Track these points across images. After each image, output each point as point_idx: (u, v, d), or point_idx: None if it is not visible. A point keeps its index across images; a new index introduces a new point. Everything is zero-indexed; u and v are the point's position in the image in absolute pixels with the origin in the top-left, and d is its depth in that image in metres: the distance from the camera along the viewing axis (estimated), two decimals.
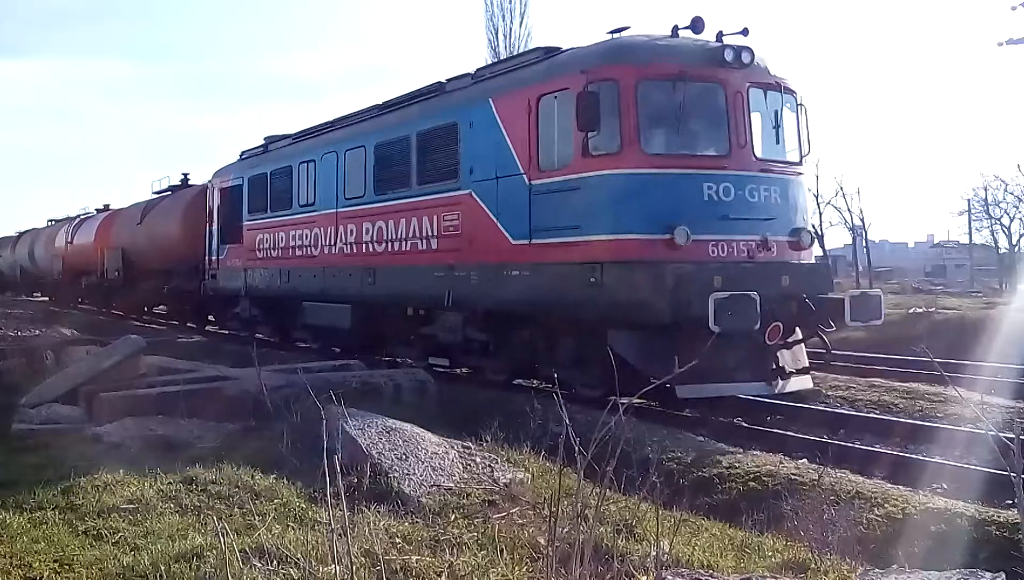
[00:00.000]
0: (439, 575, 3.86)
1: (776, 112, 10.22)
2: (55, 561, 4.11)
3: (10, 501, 5.14)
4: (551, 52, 11.03)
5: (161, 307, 25.23)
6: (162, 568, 3.80)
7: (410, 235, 12.36)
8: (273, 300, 16.74)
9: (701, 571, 3.83)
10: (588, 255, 9.53)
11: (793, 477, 7.03)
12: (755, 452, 8.13)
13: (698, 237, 9.27)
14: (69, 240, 30.58)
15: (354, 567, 3.51)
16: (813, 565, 4.42)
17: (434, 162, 11.99)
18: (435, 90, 12.82)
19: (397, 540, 4.34)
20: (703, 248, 9.32)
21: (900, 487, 6.87)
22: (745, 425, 10.02)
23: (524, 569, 4.01)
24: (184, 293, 21.37)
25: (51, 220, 38.47)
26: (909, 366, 14.57)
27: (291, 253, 15.82)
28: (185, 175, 24.26)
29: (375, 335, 13.69)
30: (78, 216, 33.09)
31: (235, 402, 7.73)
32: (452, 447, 6.10)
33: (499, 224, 10.66)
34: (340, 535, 3.56)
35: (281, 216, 16.21)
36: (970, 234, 60.13)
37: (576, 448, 3.59)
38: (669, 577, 3.60)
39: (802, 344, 10.28)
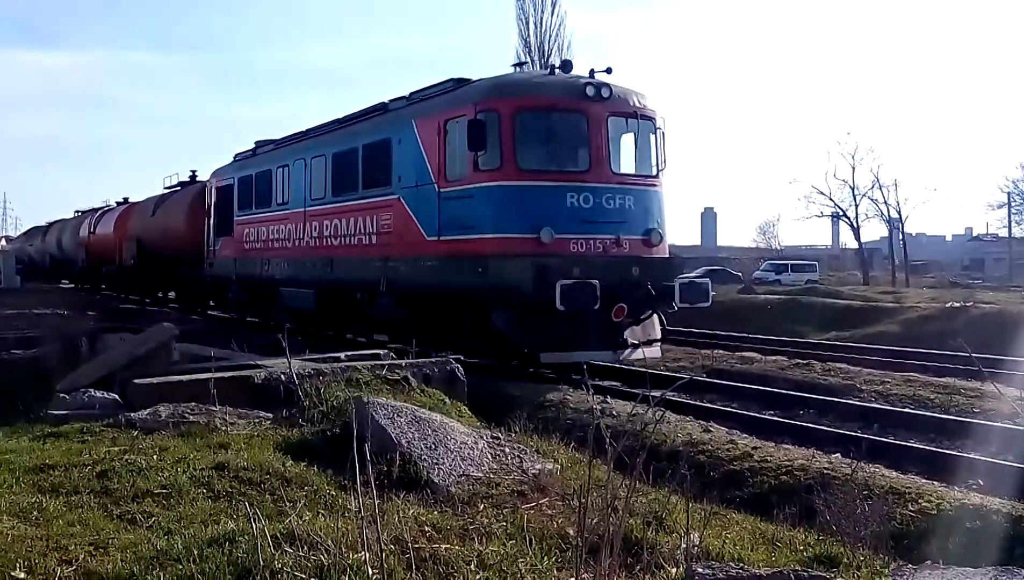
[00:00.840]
0: (468, 564, 3.86)
1: (634, 135, 12.40)
2: (90, 544, 4.15)
3: (47, 484, 5.21)
4: (460, 83, 13.20)
5: (171, 293, 27.03)
6: (195, 552, 3.83)
7: (357, 231, 14.72)
8: (257, 286, 19.00)
9: (731, 564, 3.79)
10: (478, 250, 11.73)
11: (826, 471, 6.95)
12: (787, 446, 8.06)
13: (561, 236, 11.45)
14: (92, 230, 32.32)
15: (384, 554, 3.52)
16: (845, 560, 4.36)
17: (374, 171, 14.24)
18: (378, 109, 15.18)
19: (426, 528, 4.34)
20: (565, 245, 11.49)
21: (935, 483, 6.77)
22: (777, 419, 9.94)
23: (553, 559, 4.00)
24: (188, 280, 23.37)
25: (77, 211, 40.12)
26: (945, 361, 14.34)
27: (270, 245, 18.18)
28: (193, 172, 25.91)
29: (334, 315, 15.95)
30: (100, 208, 34.81)
31: (266, 390, 7.78)
32: (481, 437, 6.10)
33: (418, 223, 12.94)
34: (370, 522, 3.58)
35: (263, 213, 18.56)
36: (1009, 227, 59.13)
37: (607, 439, 3.57)
38: (699, 569, 3.57)
39: (654, 320, 12.30)
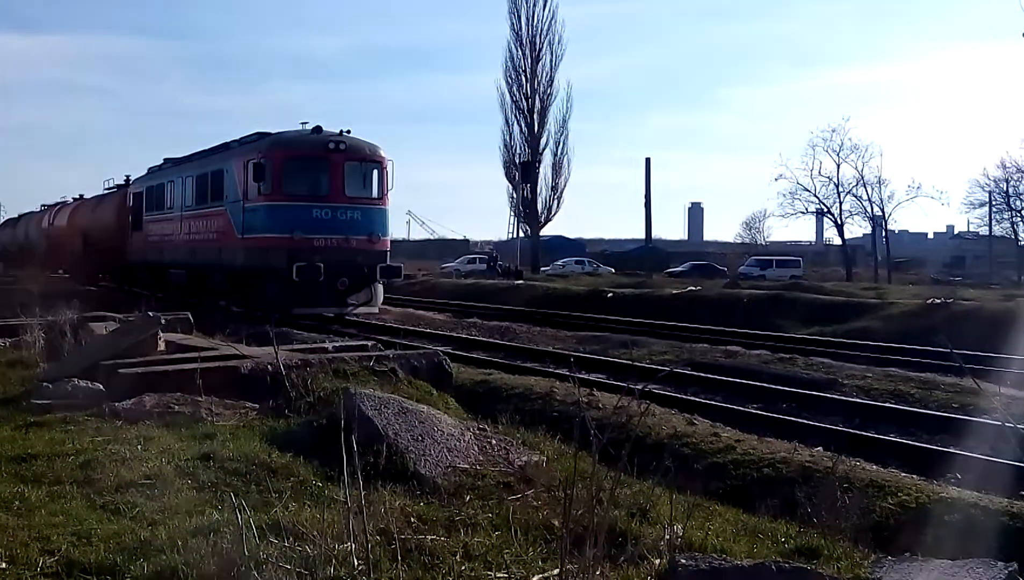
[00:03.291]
0: (454, 554, 3.88)
1: (364, 173, 19.71)
2: (73, 534, 4.12)
3: (29, 475, 5.15)
4: (261, 136, 20.47)
5: (107, 276, 32.78)
6: (179, 543, 3.81)
7: (206, 230, 21.83)
8: (156, 269, 25.60)
9: (714, 555, 3.83)
10: (259, 244, 19.07)
11: (807, 464, 7.02)
12: (769, 439, 8.12)
13: (307, 236, 18.54)
14: (51, 223, 38.22)
15: (369, 545, 3.53)
16: (826, 552, 4.41)
17: (216, 190, 21.43)
18: (223, 147, 22.50)
19: (412, 519, 4.35)
20: (310, 241, 18.54)
21: (914, 476, 6.85)
22: (760, 412, 10.01)
23: (538, 550, 4.02)
24: (116, 264, 29.84)
25: (43, 205, 45.01)
26: (926, 356, 14.48)
27: (163, 239, 25.14)
28: (127, 176, 31.75)
29: (199, 288, 22.24)
30: (58, 203, 40.69)
31: (253, 380, 7.74)
32: (468, 429, 6.10)
33: (234, 227, 20.04)
34: (356, 513, 3.59)
35: (160, 215, 25.55)
36: (990, 226, 59.55)
37: (592, 432, 3.59)
38: (682, 560, 3.60)
39: (373, 289, 19.45)
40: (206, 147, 24.14)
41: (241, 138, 21.59)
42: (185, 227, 23.29)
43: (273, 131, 20.71)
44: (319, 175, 19.16)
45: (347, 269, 18.59)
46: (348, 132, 19.59)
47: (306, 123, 19.80)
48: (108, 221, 30.02)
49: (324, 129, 19.59)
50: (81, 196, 38.08)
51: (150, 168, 28.11)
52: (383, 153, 19.95)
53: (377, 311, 19.93)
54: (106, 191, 33.52)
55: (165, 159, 27.04)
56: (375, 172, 19.80)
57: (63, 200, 40.57)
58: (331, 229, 18.73)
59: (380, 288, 19.70)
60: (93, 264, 32.25)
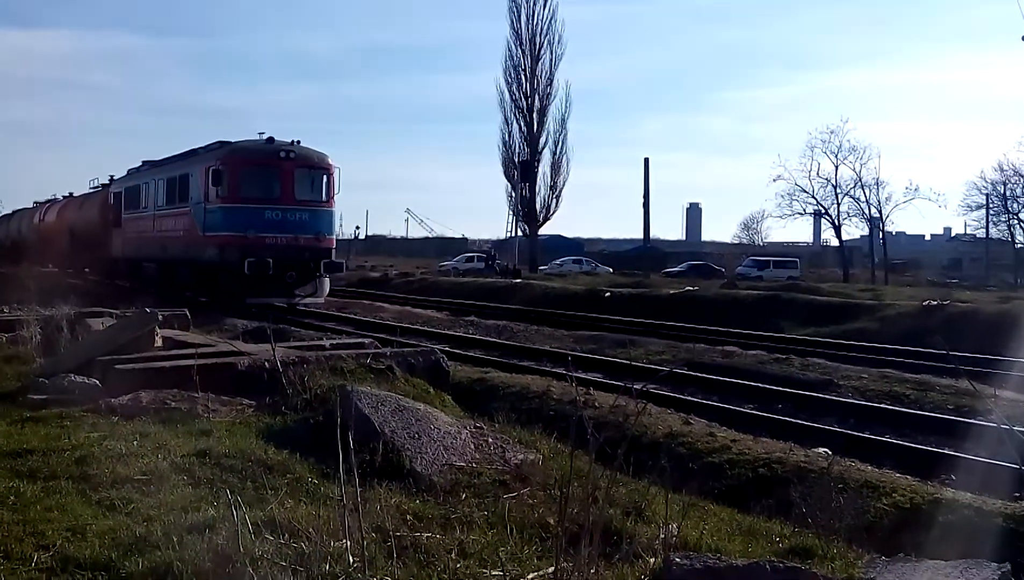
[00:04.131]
0: (449, 552, 3.88)
1: (312, 178, 22.25)
2: (68, 530, 4.11)
3: (24, 470, 5.14)
4: (223, 144, 23.05)
5: (92, 270, 34.97)
6: (174, 539, 3.80)
7: (175, 228, 24.27)
8: (133, 263, 28.01)
9: (709, 555, 3.83)
10: (219, 242, 21.52)
11: (802, 465, 7.04)
12: (765, 439, 8.14)
13: (260, 235, 20.99)
14: (42, 219, 40.83)
15: (365, 542, 3.53)
16: (820, 552, 4.42)
17: (183, 192, 23.93)
18: (191, 153, 24.97)
19: (408, 517, 4.35)
20: (262, 240, 21.02)
21: (908, 477, 6.87)
22: (756, 412, 10.03)
23: (533, 548, 4.02)
24: (99, 258, 31.98)
25: (35, 201, 47.97)
26: (921, 358, 14.51)
27: (139, 236, 27.47)
28: (111, 176, 33.84)
29: (168, 281, 24.55)
30: (48, 201, 43.39)
31: (249, 377, 7.71)
32: (464, 427, 6.10)
33: (197, 226, 22.59)
34: (352, 511, 3.59)
35: (136, 213, 27.88)
36: (987, 228, 59.68)
37: (589, 430, 3.60)
38: (677, 559, 3.61)
39: (319, 282, 21.84)
40: (177, 152, 26.70)
41: (205, 146, 24.13)
42: (157, 225, 25.81)
43: (268, 135, 22.77)
44: (271, 180, 21.69)
45: (295, 264, 21.08)
46: (299, 142, 22.17)
47: (262, 133, 22.40)
48: (92, 218, 32.37)
49: (277, 139, 22.07)
50: (71, 194, 40.00)
51: (129, 169, 30.74)
52: (330, 161, 22.59)
53: (323, 302, 22.64)
54: (91, 190, 35.66)
55: (143, 161, 29.49)
56: (323, 178, 22.37)
57: (54, 198, 42.64)
58: (281, 228, 21.27)
59: (326, 281, 22.20)
60: (79, 258, 34.50)
